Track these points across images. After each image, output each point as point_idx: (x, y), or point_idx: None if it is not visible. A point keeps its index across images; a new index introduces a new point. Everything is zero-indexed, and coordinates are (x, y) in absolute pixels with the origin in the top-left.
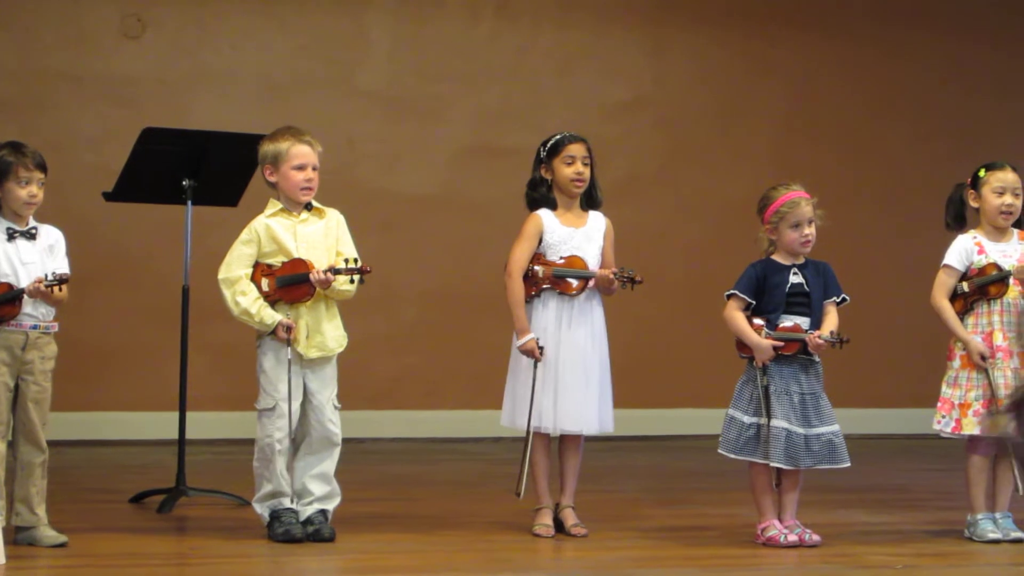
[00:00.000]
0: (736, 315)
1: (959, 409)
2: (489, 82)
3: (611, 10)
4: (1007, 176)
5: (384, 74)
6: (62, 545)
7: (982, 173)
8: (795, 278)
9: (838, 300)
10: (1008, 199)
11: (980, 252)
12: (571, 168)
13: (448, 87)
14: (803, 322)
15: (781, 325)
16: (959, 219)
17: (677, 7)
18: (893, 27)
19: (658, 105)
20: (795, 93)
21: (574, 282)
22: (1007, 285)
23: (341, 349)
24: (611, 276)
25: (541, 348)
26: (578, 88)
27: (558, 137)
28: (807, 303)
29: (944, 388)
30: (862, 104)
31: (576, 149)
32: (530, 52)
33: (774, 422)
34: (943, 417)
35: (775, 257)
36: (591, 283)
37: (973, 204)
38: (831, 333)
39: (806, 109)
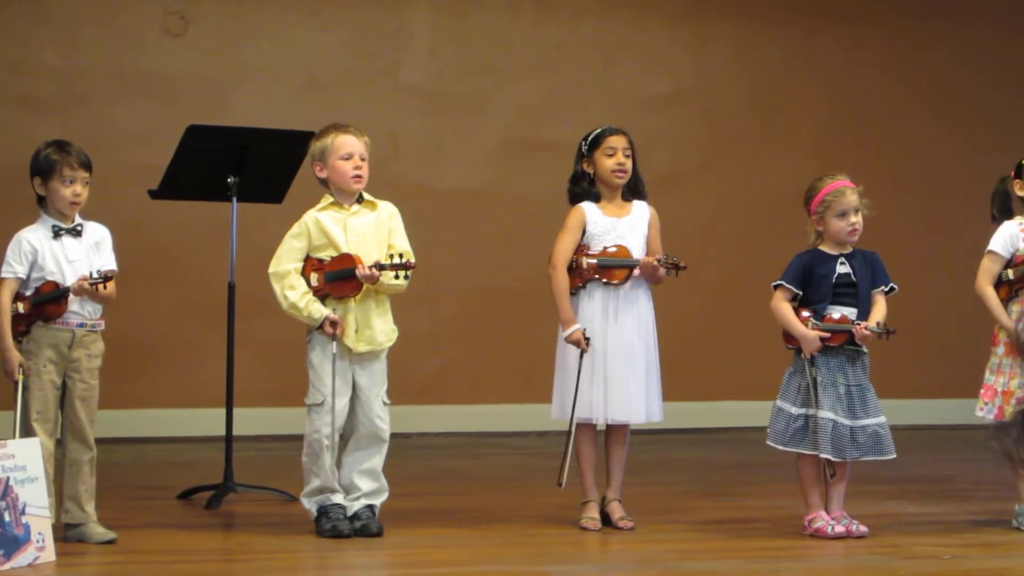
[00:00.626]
0: (783, 306)
1: (1002, 396)
2: (530, 76)
3: (651, 3)
4: None
5: (425, 69)
6: (111, 541)
7: None
8: (842, 268)
9: (886, 289)
10: None
11: None
12: (612, 159)
13: (489, 81)
14: (850, 312)
15: (828, 316)
16: (1005, 212)
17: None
18: (934, 20)
19: (699, 98)
20: (836, 86)
21: (618, 271)
22: None
23: (390, 343)
24: (655, 263)
25: (587, 339)
26: (619, 81)
27: (599, 130)
28: (854, 293)
29: (987, 375)
30: (903, 97)
31: (617, 141)
32: (571, 46)
33: (821, 413)
34: (985, 404)
35: (822, 247)
36: (636, 272)
37: (1020, 193)
38: (878, 324)
39: (847, 102)
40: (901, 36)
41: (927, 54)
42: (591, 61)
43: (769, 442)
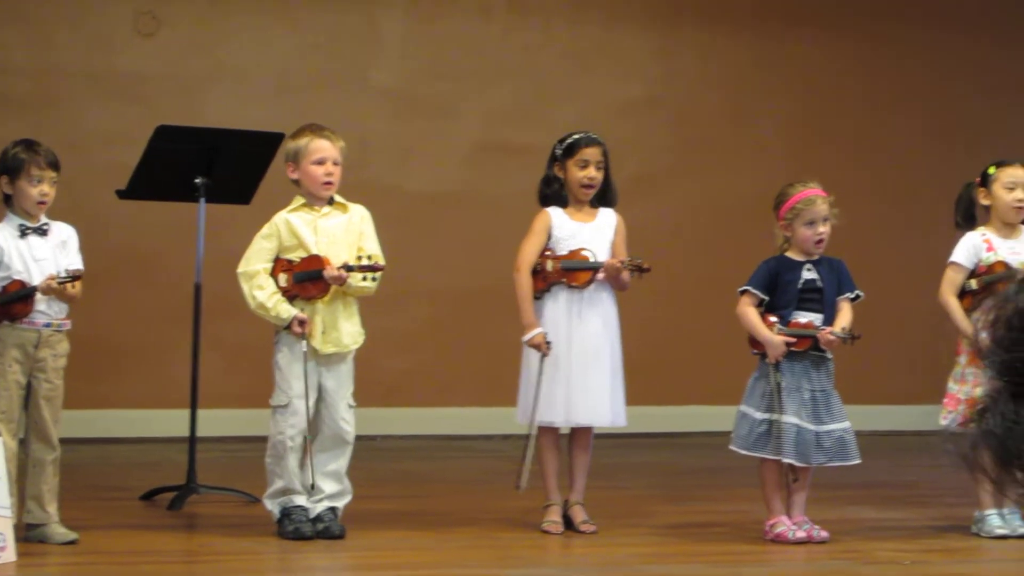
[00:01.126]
0: (749, 311)
1: (965, 404)
2: (501, 79)
3: (622, 7)
4: (1018, 172)
5: (396, 71)
6: (72, 542)
7: (992, 170)
8: (808, 274)
9: (852, 297)
10: (1019, 194)
11: (989, 249)
12: (583, 172)
13: (460, 84)
14: (816, 318)
15: (794, 321)
16: (969, 218)
17: (688, 4)
18: (905, 25)
19: (670, 103)
20: (807, 91)
21: (582, 273)
22: None
23: (356, 346)
24: (619, 264)
25: (548, 343)
26: (590, 85)
27: (576, 137)
28: (820, 299)
29: (951, 384)
30: (874, 102)
31: (591, 153)
32: (542, 49)
33: (785, 418)
34: (949, 413)
35: (789, 254)
36: (600, 275)
37: (984, 202)
38: (843, 329)
39: (818, 107)
40: (873, 41)
41: (900, 59)
42: (563, 65)
43: (732, 447)
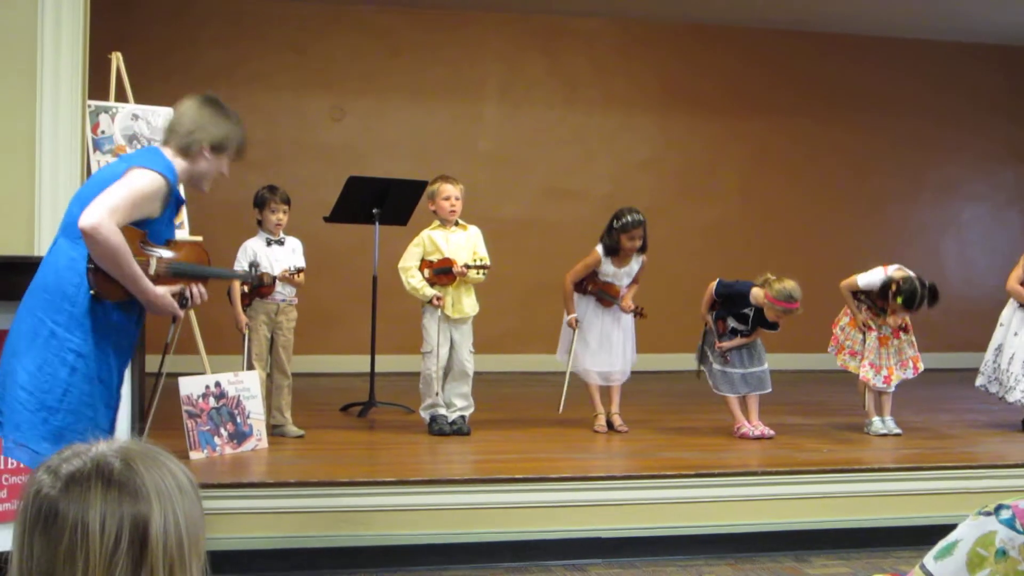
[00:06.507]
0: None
1: (847, 348)
2: (560, 146)
3: (637, 101)
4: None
5: (494, 141)
6: (300, 436)
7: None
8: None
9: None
10: None
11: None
12: (632, 243)
13: (535, 150)
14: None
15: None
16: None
17: (679, 97)
18: (818, 112)
19: (668, 161)
20: (757, 151)
21: (607, 302)
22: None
23: (474, 314)
24: (628, 309)
25: (578, 321)
26: (618, 150)
27: (630, 220)
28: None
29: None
30: (797, 157)
31: (637, 232)
32: (587, 126)
33: (729, 368)
34: (832, 347)
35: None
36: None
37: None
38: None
39: (764, 162)
40: (803, 120)
41: (804, 136)
42: (600, 137)
43: (711, 384)
